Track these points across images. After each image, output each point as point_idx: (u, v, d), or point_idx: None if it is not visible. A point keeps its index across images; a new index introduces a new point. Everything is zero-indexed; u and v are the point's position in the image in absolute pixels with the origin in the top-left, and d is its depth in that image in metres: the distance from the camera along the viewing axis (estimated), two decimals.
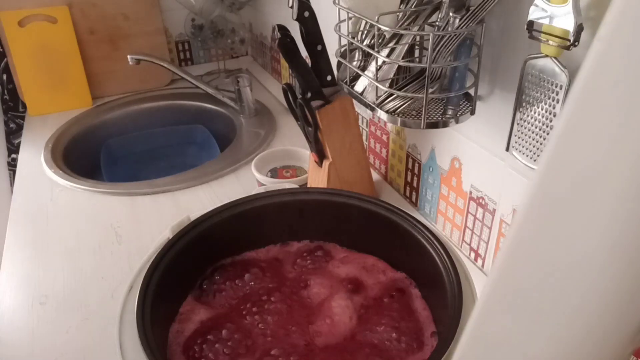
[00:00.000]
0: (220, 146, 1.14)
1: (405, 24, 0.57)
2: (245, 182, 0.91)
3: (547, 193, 0.18)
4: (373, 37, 0.58)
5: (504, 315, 0.21)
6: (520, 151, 0.50)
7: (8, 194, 1.32)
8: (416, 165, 0.77)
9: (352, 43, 0.61)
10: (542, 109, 0.47)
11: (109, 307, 0.65)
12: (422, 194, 0.77)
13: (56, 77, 1.20)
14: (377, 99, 0.59)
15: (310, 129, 0.70)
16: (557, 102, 0.45)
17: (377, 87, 0.58)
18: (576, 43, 0.41)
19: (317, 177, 0.76)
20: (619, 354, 0.19)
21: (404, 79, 0.60)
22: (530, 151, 0.49)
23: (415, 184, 0.78)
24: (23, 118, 1.27)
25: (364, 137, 0.91)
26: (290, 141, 1.04)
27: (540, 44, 0.45)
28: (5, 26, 1.14)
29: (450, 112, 0.58)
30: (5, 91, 1.27)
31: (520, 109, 0.49)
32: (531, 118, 0.48)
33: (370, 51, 0.57)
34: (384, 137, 0.84)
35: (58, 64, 1.19)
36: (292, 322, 0.50)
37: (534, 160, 0.49)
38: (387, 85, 0.59)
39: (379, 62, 0.59)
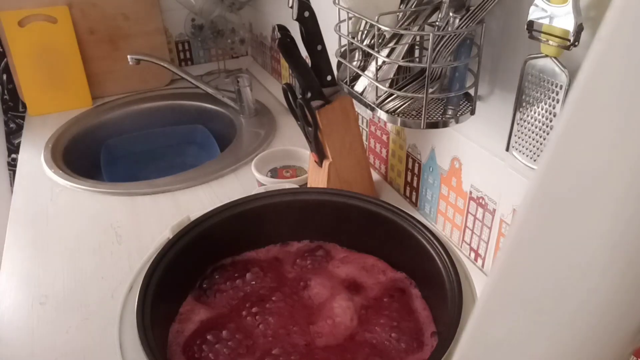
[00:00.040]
0: (220, 146, 1.14)
1: (405, 24, 0.57)
2: (245, 182, 0.91)
3: (548, 193, 0.18)
4: (373, 37, 0.58)
5: (504, 315, 0.21)
6: (520, 151, 0.50)
7: (8, 194, 1.32)
8: (416, 165, 0.77)
9: (352, 43, 0.61)
10: (542, 109, 0.47)
11: (109, 307, 0.65)
12: (422, 194, 0.77)
13: (56, 77, 1.20)
14: (377, 99, 0.59)
15: (310, 129, 0.70)
16: (557, 102, 0.45)
17: (377, 87, 0.58)
18: (576, 43, 0.41)
19: (317, 177, 0.76)
20: (619, 354, 0.19)
21: (404, 79, 0.60)
22: (530, 151, 0.49)
23: (415, 184, 0.78)
24: (23, 118, 1.27)
25: (364, 137, 0.91)
26: (290, 141, 1.04)
27: (540, 44, 0.45)
28: (5, 26, 1.14)
29: (450, 112, 0.58)
30: (5, 91, 1.27)
31: (520, 109, 0.49)
32: (531, 118, 0.48)
33: (370, 51, 0.57)
34: (384, 137, 0.84)
35: (58, 64, 1.19)
36: (293, 322, 0.50)
37: (534, 160, 0.49)
38: (387, 85, 0.59)
39: (379, 62, 0.59)
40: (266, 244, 0.60)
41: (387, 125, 0.83)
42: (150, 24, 1.29)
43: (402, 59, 0.58)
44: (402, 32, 0.57)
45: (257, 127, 1.10)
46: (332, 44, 0.66)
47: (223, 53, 1.46)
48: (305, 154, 0.84)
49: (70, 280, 0.70)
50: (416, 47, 0.62)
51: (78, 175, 0.95)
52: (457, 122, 0.58)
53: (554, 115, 0.46)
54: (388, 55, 0.58)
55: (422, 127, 0.56)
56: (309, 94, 0.68)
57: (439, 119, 0.58)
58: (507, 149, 0.52)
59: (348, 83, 0.64)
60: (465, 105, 0.59)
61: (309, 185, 0.78)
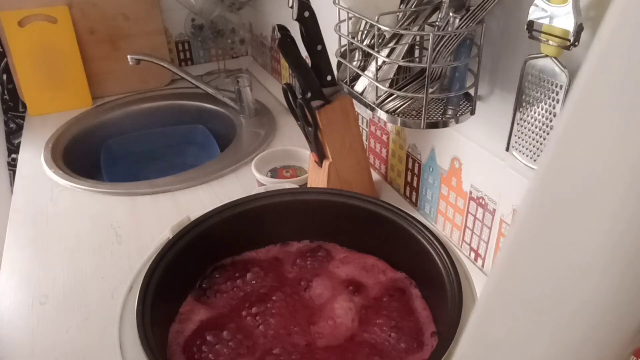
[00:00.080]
0: (220, 146, 1.14)
1: (405, 24, 0.57)
2: (245, 182, 0.91)
3: (548, 193, 0.18)
4: (373, 37, 0.58)
5: (504, 315, 0.21)
6: (520, 151, 0.50)
7: (8, 194, 1.32)
8: (416, 165, 0.77)
9: (352, 43, 0.61)
10: (542, 109, 0.47)
11: (109, 307, 0.65)
12: (422, 194, 0.77)
13: (56, 77, 1.20)
14: (377, 99, 0.59)
15: (310, 129, 0.70)
16: (557, 102, 0.45)
17: (377, 87, 0.58)
18: (576, 43, 0.41)
19: (317, 177, 0.76)
20: (619, 354, 0.19)
21: (404, 79, 0.60)
22: (530, 151, 0.49)
23: (415, 184, 0.78)
24: (23, 118, 1.27)
25: (364, 137, 0.91)
26: (290, 141, 1.04)
27: (540, 44, 0.45)
28: (5, 26, 1.14)
29: (450, 112, 0.58)
30: (5, 91, 1.27)
31: (520, 109, 0.49)
32: (531, 118, 0.48)
33: (370, 51, 0.57)
34: (384, 137, 0.84)
35: (58, 64, 1.19)
36: (293, 322, 0.50)
37: (534, 160, 0.49)
38: (387, 85, 0.59)
39: (379, 62, 0.59)
40: (266, 244, 0.60)
41: (387, 125, 0.83)
42: (150, 24, 1.29)
43: (402, 59, 0.58)
44: (402, 32, 0.57)
45: (257, 127, 1.10)
46: (332, 44, 0.66)
47: (223, 53, 1.46)
48: (305, 154, 0.84)
49: (70, 280, 0.70)
50: (416, 47, 0.62)
51: (78, 175, 0.95)
52: (457, 122, 0.58)
53: (554, 115, 0.46)
54: (388, 55, 0.58)
55: (422, 127, 0.56)
56: (309, 94, 0.68)
57: (439, 119, 0.58)
58: (507, 149, 0.52)
59: (348, 83, 0.64)
60: (465, 105, 0.59)
61: (309, 185, 0.78)
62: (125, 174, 1.13)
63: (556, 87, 0.45)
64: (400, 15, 0.57)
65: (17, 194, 0.91)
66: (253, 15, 1.40)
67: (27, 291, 0.69)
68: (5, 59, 1.21)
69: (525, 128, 0.49)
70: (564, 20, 0.41)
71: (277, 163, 0.86)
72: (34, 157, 1.02)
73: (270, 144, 1.04)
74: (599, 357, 0.19)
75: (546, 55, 0.45)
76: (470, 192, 0.66)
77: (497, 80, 0.56)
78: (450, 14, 0.51)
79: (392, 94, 0.58)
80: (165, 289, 0.48)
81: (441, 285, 0.47)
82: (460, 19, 0.50)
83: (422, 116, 0.55)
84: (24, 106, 1.26)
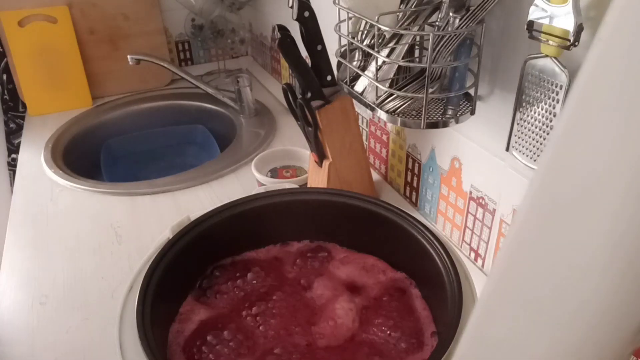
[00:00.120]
0: (220, 146, 1.14)
1: (405, 24, 0.57)
2: (245, 182, 0.91)
3: (547, 193, 0.18)
4: (373, 37, 0.58)
5: (504, 315, 0.21)
6: (520, 151, 0.50)
7: (8, 194, 1.32)
8: (416, 165, 0.77)
9: (352, 43, 0.61)
10: (542, 109, 0.47)
11: (109, 307, 0.65)
12: (422, 194, 0.77)
13: (56, 77, 1.20)
14: (377, 99, 0.59)
15: (310, 129, 0.70)
16: (557, 102, 0.45)
17: (377, 87, 0.58)
18: (576, 43, 0.41)
19: (317, 177, 0.76)
20: (619, 354, 0.19)
21: (404, 79, 0.60)
22: (530, 151, 0.49)
23: (415, 184, 0.78)
24: (23, 118, 1.27)
25: (364, 137, 0.91)
26: (290, 141, 1.04)
27: (540, 44, 0.45)
28: (5, 26, 1.14)
29: (450, 112, 0.58)
30: (5, 91, 1.27)
31: (520, 109, 0.49)
32: (531, 118, 0.48)
33: (370, 51, 0.57)
34: (384, 137, 0.84)
35: (58, 64, 1.19)
36: (294, 322, 0.50)
37: (534, 160, 0.49)
38: (387, 85, 0.59)
39: (379, 62, 0.59)
40: (266, 244, 0.60)
41: (387, 125, 0.83)
42: (150, 24, 1.29)
43: (402, 59, 0.58)
44: (402, 32, 0.57)
45: (257, 127, 1.10)
46: (332, 44, 0.66)
47: (223, 53, 1.46)
48: (305, 154, 0.84)
49: (70, 280, 0.70)
50: (416, 47, 0.62)
51: (78, 175, 0.95)
52: (457, 122, 0.58)
53: (554, 115, 0.46)
54: (388, 55, 0.58)
55: (422, 127, 0.56)
56: (309, 94, 0.68)
57: (439, 119, 0.58)
58: (507, 149, 0.52)
59: (348, 83, 0.64)
60: (465, 105, 0.59)
61: (309, 185, 0.78)
62: (125, 174, 1.13)
63: (556, 87, 0.45)
64: (400, 15, 0.57)
65: (17, 194, 0.91)
66: (253, 15, 1.40)
67: (27, 291, 0.69)
68: (5, 59, 1.21)
69: (525, 128, 0.49)
70: (564, 20, 0.41)
71: (277, 163, 0.86)
72: (34, 157, 1.02)
73: (270, 144, 1.04)
74: (599, 357, 0.19)
75: (546, 55, 0.45)
76: (470, 192, 0.66)
77: (497, 80, 0.56)
78: (450, 14, 0.51)
79: (392, 94, 0.58)
80: (165, 289, 0.48)
81: (441, 285, 0.47)
82: (460, 19, 0.50)
83: (422, 116, 0.55)
84: (24, 106, 1.26)
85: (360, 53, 0.64)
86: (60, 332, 0.62)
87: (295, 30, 0.67)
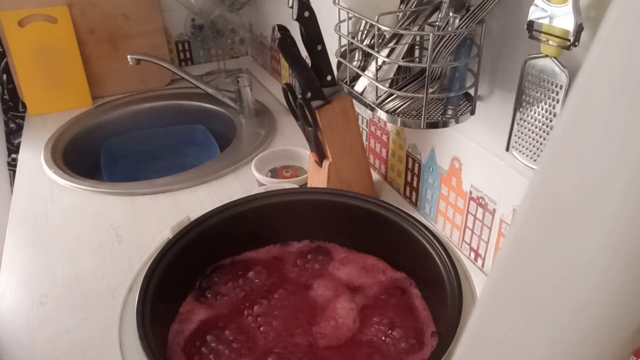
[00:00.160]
0: (220, 146, 1.14)
1: (405, 24, 0.57)
2: (245, 182, 0.91)
3: (548, 193, 0.18)
4: (373, 37, 0.58)
5: (504, 315, 0.21)
6: (520, 151, 0.50)
7: (8, 194, 1.32)
8: (416, 165, 0.77)
9: (352, 43, 0.61)
10: (542, 109, 0.47)
11: (109, 307, 0.65)
12: (422, 194, 0.77)
13: (56, 77, 1.20)
14: (377, 99, 0.59)
15: (310, 129, 0.70)
16: (557, 102, 0.45)
17: (377, 87, 0.58)
18: (576, 43, 0.41)
19: (317, 177, 0.76)
20: (619, 354, 0.19)
21: (404, 79, 0.60)
22: (530, 151, 0.49)
23: (415, 184, 0.78)
24: (23, 118, 1.27)
25: (364, 137, 0.91)
26: (290, 141, 1.04)
27: (540, 44, 0.45)
28: (5, 26, 1.14)
29: (450, 112, 0.58)
30: (5, 91, 1.27)
31: (520, 109, 0.49)
32: (531, 118, 0.48)
33: (370, 51, 0.57)
34: (384, 137, 0.84)
35: (58, 64, 1.19)
36: (294, 322, 0.50)
37: (534, 160, 0.49)
38: (387, 85, 0.59)
39: (379, 62, 0.59)
40: (266, 244, 0.60)
41: (387, 125, 0.83)
42: (150, 24, 1.29)
43: (402, 59, 0.58)
44: (402, 32, 0.57)
45: (257, 127, 1.10)
46: (332, 44, 0.66)
47: (223, 53, 1.46)
48: (305, 154, 0.84)
49: (70, 280, 0.70)
50: (416, 47, 0.62)
51: (78, 175, 0.95)
52: (457, 122, 0.58)
53: (554, 115, 0.46)
54: (388, 55, 0.58)
55: (422, 127, 0.56)
56: (309, 94, 0.68)
57: (439, 119, 0.58)
58: (507, 149, 0.52)
59: (348, 83, 0.64)
60: (465, 105, 0.59)
61: (309, 185, 0.78)
62: (125, 174, 1.13)
63: (556, 87, 0.45)
64: (400, 15, 0.57)
65: (17, 194, 0.91)
66: (253, 15, 1.40)
67: (27, 291, 0.69)
68: (5, 59, 1.21)
69: (525, 128, 0.49)
70: (564, 20, 0.41)
71: (277, 163, 0.86)
72: (34, 157, 1.02)
73: (270, 144, 1.04)
74: (599, 357, 0.19)
75: (546, 55, 0.45)
76: (470, 192, 0.66)
77: (497, 80, 0.56)
78: (450, 14, 0.51)
79: (392, 94, 0.58)
80: (165, 289, 0.48)
81: (441, 285, 0.47)
82: (460, 19, 0.50)
83: (422, 116, 0.55)
84: (24, 106, 1.26)
85: (360, 53, 0.64)
86: (60, 332, 0.62)
87: (295, 30, 0.67)
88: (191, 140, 1.27)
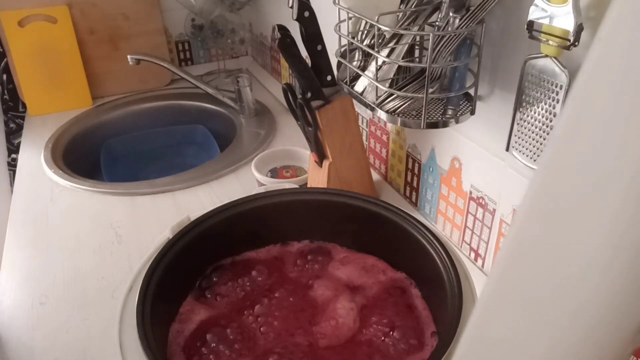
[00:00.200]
0: (220, 146, 1.14)
1: (405, 24, 0.57)
2: (245, 182, 0.91)
3: (547, 193, 0.18)
4: (373, 37, 0.58)
5: (504, 315, 0.21)
6: (520, 151, 0.50)
7: (8, 194, 1.32)
8: (416, 165, 0.77)
9: (352, 43, 0.61)
10: (542, 109, 0.47)
11: (109, 307, 0.65)
12: (422, 194, 0.77)
13: (56, 77, 1.20)
14: (377, 99, 0.59)
15: (310, 129, 0.70)
16: (557, 102, 0.45)
17: (377, 87, 0.58)
18: (576, 43, 0.41)
19: (317, 177, 0.76)
20: (619, 354, 0.19)
21: (404, 79, 0.60)
22: (530, 151, 0.49)
23: (415, 184, 0.78)
24: (23, 118, 1.27)
25: (364, 137, 0.91)
26: (290, 141, 1.04)
27: (540, 44, 0.45)
28: (5, 26, 1.14)
29: (450, 112, 0.58)
30: (5, 91, 1.27)
31: (520, 109, 0.49)
32: (531, 118, 0.48)
33: (370, 51, 0.57)
34: (384, 137, 0.84)
35: (58, 64, 1.19)
36: (295, 322, 0.50)
37: (534, 160, 0.49)
38: (387, 85, 0.59)
39: (379, 62, 0.59)
40: (266, 244, 0.60)
41: (387, 125, 0.83)
42: (150, 24, 1.29)
43: (402, 59, 0.58)
44: (402, 32, 0.57)
45: (257, 127, 1.10)
46: (332, 44, 0.66)
47: (223, 53, 1.46)
48: (305, 154, 0.84)
49: (70, 280, 0.70)
50: (416, 47, 0.62)
51: (78, 175, 0.95)
52: (457, 122, 0.58)
53: (554, 115, 0.46)
54: (388, 55, 0.58)
55: (422, 127, 0.56)
56: (309, 94, 0.68)
57: (439, 119, 0.58)
58: (507, 149, 0.52)
59: (348, 83, 0.64)
60: (465, 105, 0.59)
61: (309, 185, 0.78)
62: (125, 174, 1.13)
63: (556, 87, 0.45)
64: (400, 15, 0.57)
65: (17, 194, 0.91)
66: (253, 15, 1.40)
67: (27, 291, 0.69)
68: (5, 59, 1.21)
69: (525, 128, 0.49)
70: (564, 20, 0.41)
71: (277, 163, 0.86)
72: (34, 157, 1.02)
73: (270, 144, 1.04)
74: (599, 357, 0.19)
75: (546, 55, 0.45)
76: (470, 192, 0.66)
77: (497, 80, 0.56)
78: (450, 14, 0.51)
79: (392, 94, 0.58)
80: (165, 289, 0.48)
81: (441, 285, 0.47)
82: (460, 19, 0.50)
83: (422, 116, 0.55)
84: (24, 106, 1.26)
85: (360, 53, 0.64)
86: (60, 332, 0.62)
87: (295, 30, 0.67)
88: (191, 140, 1.27)
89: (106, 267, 0.72)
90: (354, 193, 0.57)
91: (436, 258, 0.49)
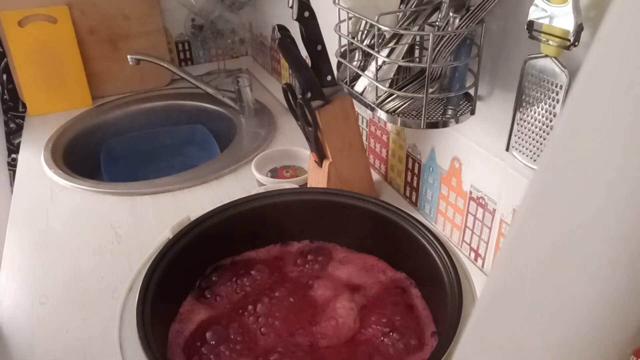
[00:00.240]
0: (220, 146, 1.14)
1: (405, 24, 0.57)
2: (245, 182, 0.91)
3: (548, 193, 0.18)
4: (373, 37, 0.58)
5: (504, 316, 0.21)
6: (520, 151, 0.50)
7: (8, 194, 1.32)
8: (416, 165, 0.77)
9: (352, 43, 0.61)
10: (542, 109, 0.47)
11: (109, 307, 0.65)
12: (422, 194, 0.77)
13: (56, 77, 1.20)
14: (377, 99, 0.59)
15: (310, 129, 0.70)
16: (557, 102, 0.45)
17: (377, 87, 0.58)
18: (576, 43, 0.41)
19: (317, 177, 0.76)
20: (619, 354, 0.19)
21: (404, 79, 0.60)
22: (530, 151, 0.49)
23: (415, 184, 0.78)
24: (23, 118, 1.27)
25: (364, 137, 0.91)
26: (290, 141, 1.04)
27: (540, 44, 0.45)
28: (5, 26, 1.14)
29: (450, 112, 0.58)
30: (5, 91, 1.27)
31: (520, 109, 0.49)
32: (531, 118, 0.48)
33: (370, 51, 0.57)
34: (384, 137, 0.84)
35: (58, 64, 1.19)
36: (295, 322, 0.50)
37: (534, 160, 0.49)
38: (387, 85, 0.59)
39: (379, 62, 0.59)
40: (266, 244, 0.60)
41: (387, 125, 0.83)
42: (150, 24, 1.29)
43: (402, 59, 0.58)
44: (402, 32, 0.57)
45: (257, 127, 1.10)
46: (332, 44, 0.66)
47: (223, 53, 1.46)
48: (305, 154, 0.84)
49: (70, 280, 0.70)
50: (416, 47, 0.62)
51: (78, 175, 0.95)
52: (457, 122, 0.58)
53: (554, 115, 0.46)
54: (388, 55, 0.58)
55: (422, 127, 0.56)
56: (309, 94, 0.68)
57: (439, 119, 0.58)
58: (507, 149, 0.52)
59: (348, 83, 0.64)
60: (465, 105, 0.59)
61: (309, 185, 0.78)
62: (125, 174, 1.13)
63: (556, 87, 0.45)
64: (400, 15, 0.57)
65: (17, 194, 0.91)
66: (253, 15, 1.40)
67: (27, 291, 0.69)
68: (5, 59, 1.21)
69: (525, 128, 0.49)
70: (564, 20, 0.41)
71: (277, 163, 0.86)
72: (34, 157, 1.02)
73: (270, 144, 1.04)
74: (599, 357, 0.19)
75: (546, 55, 0.45)
76: (470, 192, 0.66)
77: (497, 80, 0.56)
78: (450, 14, 0.51)
79: (392, 94, 0.58)
80: (165, 289, 0.48)
81: (441, 285, 0.47)
82: (460, 19, 0.50)
83: (422, 116, 0.55)
84: (24, 106, 1.26)
85: (360, 53, 0.64)
86: (60, 332, 0.62)
87: (295, 30, 0.67)
88: (191, 140, 1.27)
89: (106, 267, 0.72)
90: (354, 193, 0.57)
91: (436, 258, 0.49)
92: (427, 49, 0.55)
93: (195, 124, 1.26)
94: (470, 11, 0.50)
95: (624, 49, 0.15)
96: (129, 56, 1.09)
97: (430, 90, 0.54)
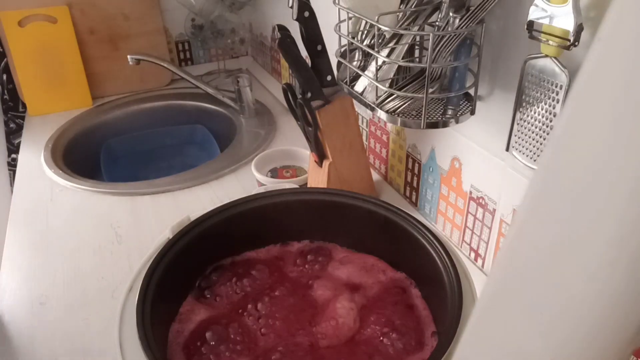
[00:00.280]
0: (220, 146, 1.14)
1: (405, 24, 0.57)
2: (245, 182, 0.91)
3: (547, 193, 0.18)
4: (373, 37, 0.58)
5: (504, 315, 0.21)
6: (520, 151, 0.50)
7: (8, 194, 1.32)
8: (416, 165, 0.77)
9: (352, 43, 0.61)
10: (542, 109, 0.47)
11: (109, 307, 0.65)
12: (422, 194, 0.77)
13: (56, 77, 1.20)
14: (377, 99, 0.59)
15: (310, 129, 0.70)
16: (557, 102, 0.45)
17: (377, 87, 0.58)
18: (576, 43, 0.41)
19: (317, 177, 0.76)
20: (619, 354, 0.19)
21: (404, 79, 0.60)
22: (530, 151, 0.49)
23: (415, 184, 0.78)
24: (23, 118, 1.27)
25: (364, 137, 0.91)
26: (290, 141, 1.04)
27: (540, 44, 0.45)
28: (5, 26, 1.14)
29: (450, 112, 0.58)
30: (5, 91, 1.27)
31: (520, 109, 0.49)
32: (531, 118, 0.48)
33: (370, 51, 0.57)
34: (384, 137, 0.84)
35: (58, 64, 1.19)
36: (295, 322, 0.50)
37: (534, 160, 0.49)
38: (387, 85, 0.59)
39: (379, 62, 0.59)
40: (266, 244, 0.60)
41: (387, 125, 0.83)
42: (150, 24, 1.29)
43: (402, 59, 0.58)
44: (402, 32, 0.57)
45: (257, 127, 1.10)
46: (332, 44, 0.66)
47: (223, 53, 1.46)
48: (305, 154, 0.84)
49: (70, 280, 0.70)
50: (416, 47, 0.62)
51: (78, 175, 0.95)
52: (457, 122, 0.58)
53: (554, 115, 0.46)
54: (388, 55, 0.58)
55: (422, 127, 0.56)
56: (309, 94, 0.68)
57: (439, 119, 0.58)
58: (507, 149, 0.52)
59: (348, 83, 0.64)
60: (465, 105, 0.59)
61: (309, 185, 0.78)
62: (125, 174, 1.13)
63: (556, 87, 0.45)
64: (400, 15, 0.57)
65: (17, 194, 0.91)
66: (253, 15, 1.40)
67: (27, 291, 0.69)
68: (5, 59, 1.21)
69: (525, 128, 0.49)
70: (564, 20, 0.41)
71: (277, 163, 0.86)
72: (34, 157, 1.02)
73: (270, 144, 1.04)
74: (599, 357, 0.19)
75: (546, 55, 0.45)
76: (470, 192, 0.66)
77: (497, 80, 0.56)
78: (450, 14, 0.51)
79: (392, 94, 0.58)
80: (165, 289, 0.48)
81: (441, 285, 0.47)
82: (460, 19, 0.50)
83: (422, 116, 0.55)
84: (24, 106, 1.26)
85: (360, 53, 0.64)
86: (60, 332, 0.62)
87: (295, 30, 0.67)
88: (191, 140, 1.27)
89: (106, 267, 0.72)
90: (354, 193, 0.57)
91: (436, 258, 0.49)
92: (427, 49, 0.55)
93: (195, 124, 1.26)
94: (470, 11, 0.50)
95: (624, 49, 0.15)
96: (129, 56, 1.09)
97: (430, 90, 0.54)
